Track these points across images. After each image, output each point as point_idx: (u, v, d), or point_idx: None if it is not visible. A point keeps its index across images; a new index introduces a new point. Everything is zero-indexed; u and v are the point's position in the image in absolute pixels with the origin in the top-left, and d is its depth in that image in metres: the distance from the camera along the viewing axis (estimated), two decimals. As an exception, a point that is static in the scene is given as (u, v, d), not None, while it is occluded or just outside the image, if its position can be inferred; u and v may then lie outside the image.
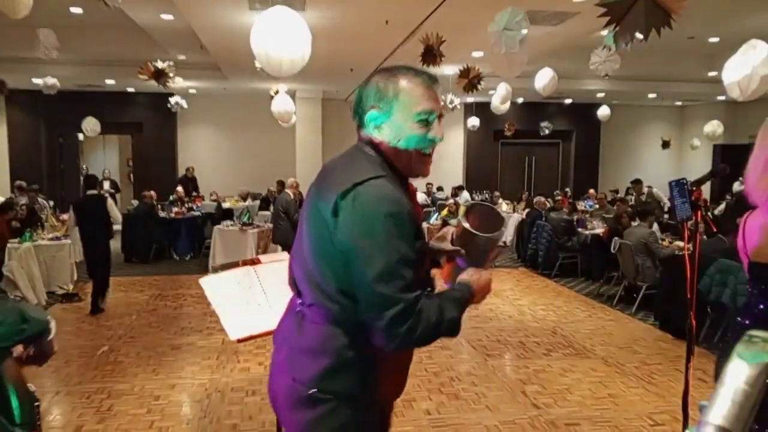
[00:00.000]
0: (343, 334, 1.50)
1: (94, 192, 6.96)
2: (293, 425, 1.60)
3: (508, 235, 11.51)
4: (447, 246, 1.70)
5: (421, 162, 1.57)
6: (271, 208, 11.19)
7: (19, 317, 1.43)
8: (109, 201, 7.07)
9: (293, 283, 1.66)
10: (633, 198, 12.28)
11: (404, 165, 1.55)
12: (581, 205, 11.87)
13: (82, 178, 16.26)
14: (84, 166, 16.18)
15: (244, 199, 12.96)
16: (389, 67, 1.59)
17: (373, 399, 1.58)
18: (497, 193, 13.83)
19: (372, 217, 1.39)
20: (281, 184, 12.14)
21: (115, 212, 7.05)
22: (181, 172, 14.14)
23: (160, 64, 8.15)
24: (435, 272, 1.76)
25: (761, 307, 2.33)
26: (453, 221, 1.82)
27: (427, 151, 1.56)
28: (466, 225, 1.62)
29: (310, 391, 1.50)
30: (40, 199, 9.99)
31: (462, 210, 1.71)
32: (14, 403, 1.57)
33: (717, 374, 2.27)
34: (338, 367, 1.50)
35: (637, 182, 12.54)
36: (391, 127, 1.52)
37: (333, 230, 1.43)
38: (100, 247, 6.73)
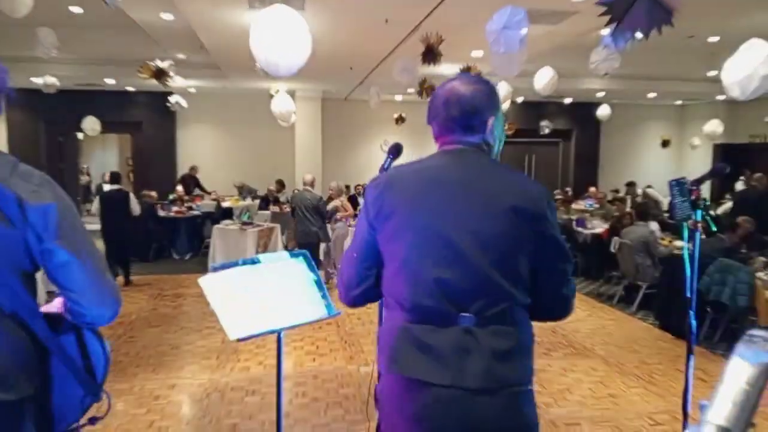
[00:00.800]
0: (529, 322, 1.61)
1: (118, 187, 8.13)
2: (520, 429, 1.55)
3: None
4: None
5: None
6: (271, 207, 11.21)
7: None
8: (131, 195, 8.20)
9: (448, 299, 1.52)
10: (629, 200, 12.38)
11: None
12: (581, 204, 11.86)
13: (83, 177, 16.30)
14: (85, 166, 16.22)
15: (241, 191, 12.99)
16: (478, 77, 1.70)
17: None
18: None
19: (556, 215, 1.65)
20: (281, 184, 12.15)
21: (135, 205, 8.10)
22: (182, 171, 14.14)
23: (160, 63, 8.14)
24: None
25: None
26: None
27: None
28: None
29: (529, 387, 1.57)
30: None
31: None
32: (101, 359, 1.65)
33: None
34: (532, 358, 1.61)
35: (631, 185, 12.60)
36: (500, 131, 1.71)
37: (544, 226, 1.55)
38: (125, 235, 8.06)
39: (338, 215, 8.24)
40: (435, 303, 1.51)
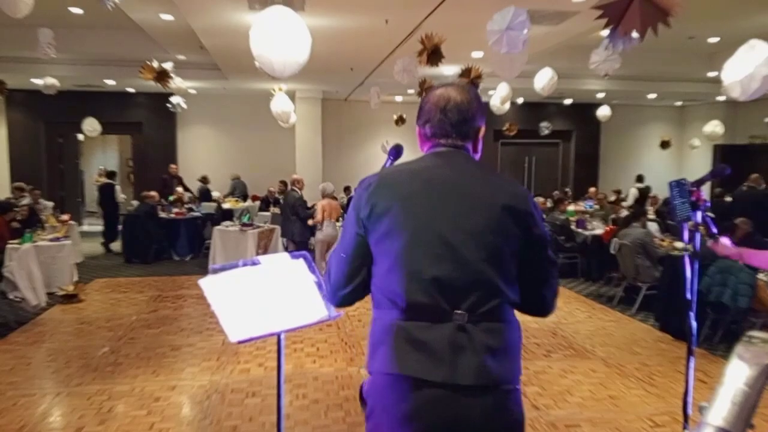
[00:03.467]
0: (517, 321, 1.64)
1: (110, 181, 11.53)
2: (507, 428, 1.58)
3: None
4: None
5: None
6: (271, 209, 11.22)
7: None
8: (116, 187, 11.34)
9: (442, 297, 1.53)
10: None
11: None
12: (580, 205, 11.85)
13: (101, 179, 16.06)
14: (101, 167, 16.11)
15: (235, 186, 12.98)
16: (471, 87, 1.78)
17: None
18: None
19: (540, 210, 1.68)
20: (284, 184, 12.16)
21: (118, 195, 11.39)
22: (183, 172, 14.11)
23: (162, 65, 8.13)
24: None
25: None
26: None
27: None
28: None
29: (517, 387, 1.60)
30: (40, 200, 9.99)
31: None
32: None
33: None
34: (520, 356, 1.64)
35: (639, 179, 12.92)
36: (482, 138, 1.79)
37: (530, 226, 1.61)
38: (114, 217, 11.21)
39: (310, 221, 8.21)
40: (429, 300, 1.52)
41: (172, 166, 13.30)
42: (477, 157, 1.75)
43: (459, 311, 1.52)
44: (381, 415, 1.58)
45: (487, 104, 10.74)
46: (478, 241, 1.54)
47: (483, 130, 1.74)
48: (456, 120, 1.68)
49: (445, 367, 1.49)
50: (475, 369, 1.49)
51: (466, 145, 1.71)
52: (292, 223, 8.34)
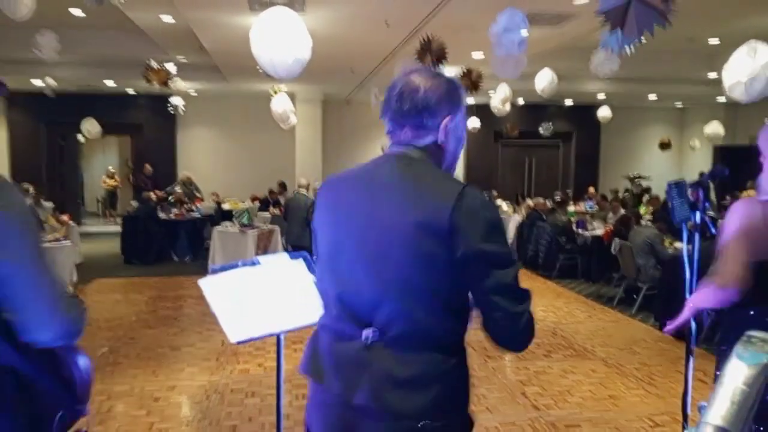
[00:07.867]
0: (450, 355, 1.45)
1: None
2: None
3: (509, 236, 11.51)
4: None
5: None
6: (271, 209, 11.22)
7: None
8: None
9: (352, 312, 1.47)
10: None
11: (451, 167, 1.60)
12: (581, 206, 11.86)
13: (109, 180, 16.04)
14: (112, 169, 16.12)
15: (183, 185, 12.68)
16: (440, 73, 1.55)
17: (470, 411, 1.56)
18: (494, 192, 13.81)
19: (489, 221, 1.39)
20: (282, 186, 12.16)
21: None
22: (182, 171, 14.13)
23: (165, 66, 8.14)
24: None
25: None
26: None
27: None
28: None
29: (421, 425, 1.38)
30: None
31: None
32: (80, 373, 1.61)
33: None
34: (451, 392, 1.43)
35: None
36: (457, 132, 1.54)
37: (450, 242, 1.35)
38: None
39: None
40: (338, 315, 1.50)
41: (147, 166, 13.32)
42: (450, 154, 1.53)
43: (369, 330, 1.42)
44: (309, 407, 1.60)
45: (486, 105, 10.73)
46: (383, 264, 1.41)
47: (447, 121, 1.48)
48: (410, 110, 1.46)
49: (342, 382, 1.45)
50: (370, 391, 1.41)
51: (423, 143, 1.48)
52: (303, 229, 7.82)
